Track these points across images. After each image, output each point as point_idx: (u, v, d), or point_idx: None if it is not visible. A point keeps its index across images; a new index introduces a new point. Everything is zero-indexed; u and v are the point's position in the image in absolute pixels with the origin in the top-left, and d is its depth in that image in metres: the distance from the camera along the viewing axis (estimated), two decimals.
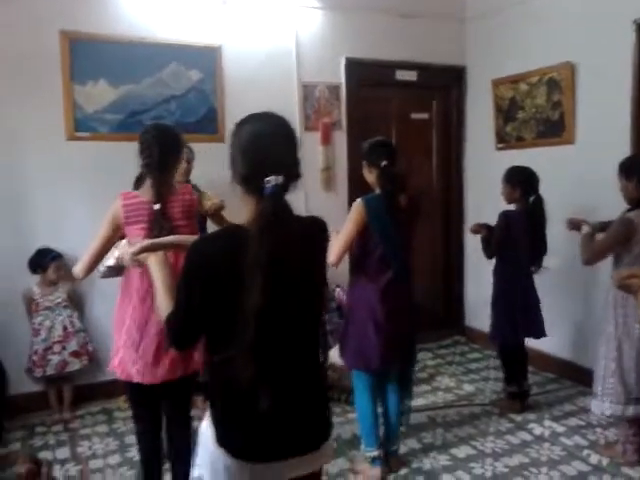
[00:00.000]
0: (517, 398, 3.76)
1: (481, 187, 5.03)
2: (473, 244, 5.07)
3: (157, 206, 2.41)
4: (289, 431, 1.56)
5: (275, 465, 1.54)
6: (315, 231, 1.68)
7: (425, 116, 5.19)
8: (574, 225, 3.26)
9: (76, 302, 3.90)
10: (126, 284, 2.49)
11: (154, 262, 1.79)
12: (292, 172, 1.52)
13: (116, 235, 2.45)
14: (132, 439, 3.40)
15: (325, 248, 1.72)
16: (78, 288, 3.91)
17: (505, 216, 3.56)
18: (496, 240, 3.57)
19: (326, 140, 4.62)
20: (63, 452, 3.36)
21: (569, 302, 4.18)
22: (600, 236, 3.13)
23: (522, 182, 3.55)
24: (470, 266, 5.27)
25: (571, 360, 4.25)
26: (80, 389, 3.94)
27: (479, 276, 5.01)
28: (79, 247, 3.86)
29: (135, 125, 3.90)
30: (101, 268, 3.06)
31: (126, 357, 2.47)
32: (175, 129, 2.57)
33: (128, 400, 2.74)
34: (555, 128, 4.26)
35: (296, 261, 1.50)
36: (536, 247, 3.60)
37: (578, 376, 4.12)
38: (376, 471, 2.97)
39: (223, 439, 1.53)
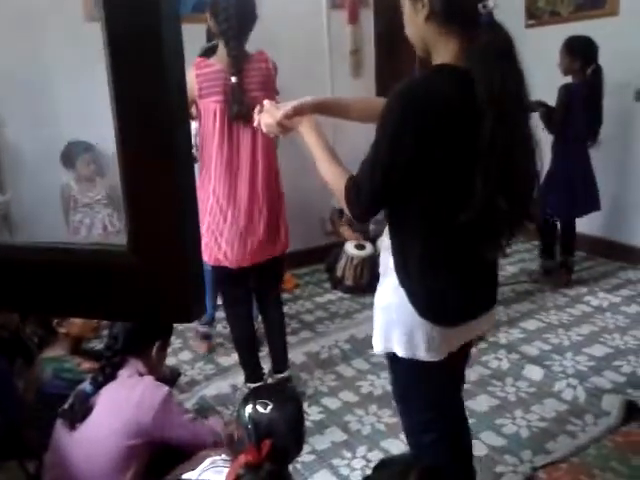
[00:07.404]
0: (565, 270, 3.82)
1: None
2: None
3: (234, 79, 2.24)
4: (481, 294, 1.53)
5: (463, 327, 1.50)
6: None
7: None
8: None
9: (116, 200, 3.61)
10: (204, 158, 2.31)
11: (307, 127, 1.51)
12: None
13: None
14: None
15: None
16: (118, 185, 3.62)
17: (567, 90, 3.46)
18: (560, 115, 3.48)
19: (354, 18, 4.30)
20: None
21: (605, 177, 4.15)
22: None
23: (583, 52, 3.44)
24: None
25: (604, 237, 4.29)
26: None
27: None
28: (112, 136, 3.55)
29: None
30: None
31: (211, 242, 2.36)
32: None
33: (217, 282, 2.67)
34: None
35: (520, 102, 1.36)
36: (594, 120, 3.54)
37: (612, 252, 4.21)
38: None
39: (425, 311, 1.43)
